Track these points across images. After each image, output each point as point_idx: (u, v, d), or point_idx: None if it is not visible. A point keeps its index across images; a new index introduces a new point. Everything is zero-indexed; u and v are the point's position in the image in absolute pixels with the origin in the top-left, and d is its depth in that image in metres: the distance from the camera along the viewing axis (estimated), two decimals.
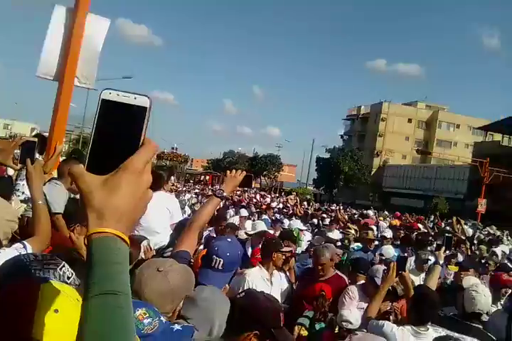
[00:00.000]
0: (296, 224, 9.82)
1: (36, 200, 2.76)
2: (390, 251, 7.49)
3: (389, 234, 9.86)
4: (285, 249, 5.43)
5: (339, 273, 5.65)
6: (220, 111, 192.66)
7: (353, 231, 9.86)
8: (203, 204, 3.51)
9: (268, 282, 4.94)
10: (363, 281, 5.34)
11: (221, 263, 2.89)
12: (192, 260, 3.10)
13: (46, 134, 5.92)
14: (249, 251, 7.49)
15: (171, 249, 3.46)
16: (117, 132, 0.89)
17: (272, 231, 8.11)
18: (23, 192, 5.49)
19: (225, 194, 3.22)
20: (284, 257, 5.32)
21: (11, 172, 10.14)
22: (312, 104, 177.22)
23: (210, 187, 35.38)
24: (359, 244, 8.72)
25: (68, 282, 1.57)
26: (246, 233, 7.40)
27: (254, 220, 11.26)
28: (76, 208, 3.55)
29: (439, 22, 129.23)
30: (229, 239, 3.18)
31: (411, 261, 7.03)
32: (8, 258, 1.65)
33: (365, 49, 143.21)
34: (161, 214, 4.95)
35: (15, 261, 1.61)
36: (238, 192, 27.98)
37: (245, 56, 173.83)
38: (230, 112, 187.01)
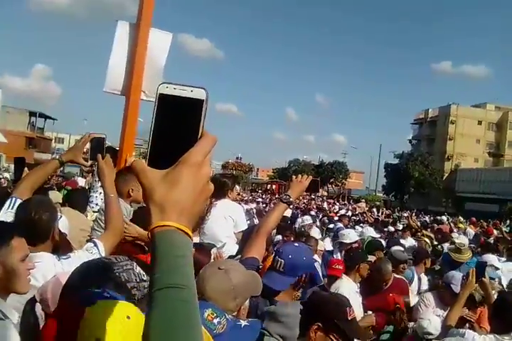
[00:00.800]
0: (369, 232, 9.45)
1: (108, 194, 2.79)
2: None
3: (463, 240, 9.53)
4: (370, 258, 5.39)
5: (395, 275, 5.61)
6: (283, 119, 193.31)
7: (427, 239, 9.54)
8: (270, 210, 3.47)
9: (358, 294, 4.88)
10: None
11: (282, 264, 2.80)
12: (261, 266, 3.05)
13: (117, 148, 6.09)
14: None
15: (239, 256, 3.42)
16: (176, 126, 0.89)
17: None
18: (96, 204, 5.67)
19: (291, 199, 3.18)
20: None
21: (81, 183, 10.51)
22: (377, 109, 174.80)
23: (277, 196, 35.39)
24: None
25: (145, 279, 1.60)
26: (343, 243, 7.34)
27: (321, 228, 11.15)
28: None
29: (503, 20, 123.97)
30: (296, 244, 3.11)
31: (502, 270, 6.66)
32: (87, 262, 1.67)
33: (430, 51, 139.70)
34: (225, 223, 4.90)
35: (97, 263, 1.63)
36: (306, 200, 27.91)
37: (306, 64, 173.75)
38: (292, 121, 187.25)
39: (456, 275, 4.81)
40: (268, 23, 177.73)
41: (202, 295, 2.00)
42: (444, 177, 66.04)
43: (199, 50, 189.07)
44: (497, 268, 6.52)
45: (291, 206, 3.88)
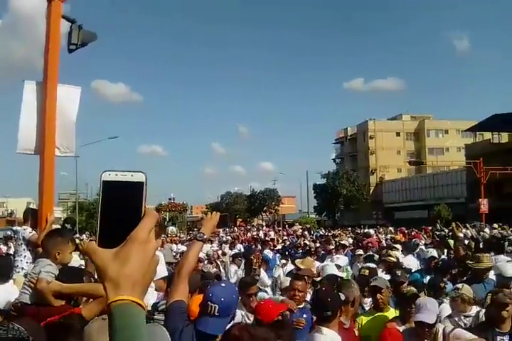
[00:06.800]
0: (343, 261, 8.28)
1: None
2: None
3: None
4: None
5: None
6: (210, 154, 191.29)
7: (392, 258, 8.41)
8: (187, 250, 3.53)
9: None
10: None
11: (216, 308, 2.90)
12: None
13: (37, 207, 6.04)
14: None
15: (164, 301, 3.48)
16: (121, 207, 0.98)
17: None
18: (22, 268, 5.64)
19: (205, 237, 3.29)
20: None
21: (4, 249, 10.14)
22: (299, 133, 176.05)
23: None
24: None
25: None
26: (314, 280, 6.53)
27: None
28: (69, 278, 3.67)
29: (407, 32, 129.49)
30: (223, 284, 3.16)
31: None
32: None
33: (339, 70, 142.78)
34: None
35: None
36: (241, 231, 28.13)
37: (224, 96, 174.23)
38: (220, 154, 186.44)
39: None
40: (181, 58, 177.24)
41: None
42: (371, 191, 68.05)
43: (115, 94, 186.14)
44: None
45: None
